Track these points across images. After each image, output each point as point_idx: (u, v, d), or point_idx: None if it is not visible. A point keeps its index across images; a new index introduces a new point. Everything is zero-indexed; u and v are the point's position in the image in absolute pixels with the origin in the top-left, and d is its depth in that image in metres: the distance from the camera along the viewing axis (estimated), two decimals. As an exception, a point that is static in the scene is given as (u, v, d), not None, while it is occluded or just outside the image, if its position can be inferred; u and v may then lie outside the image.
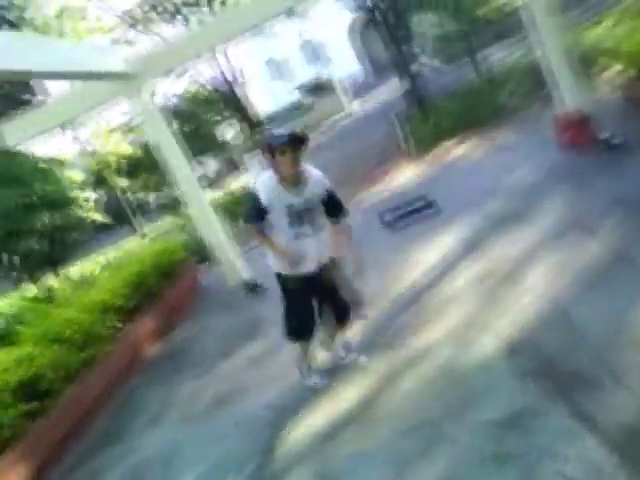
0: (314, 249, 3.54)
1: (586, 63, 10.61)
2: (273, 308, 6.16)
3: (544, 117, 8.31)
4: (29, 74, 6.44)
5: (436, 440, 2.95)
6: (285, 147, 3.28)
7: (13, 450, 4.32)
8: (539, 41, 6.71)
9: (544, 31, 6.56)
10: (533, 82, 11.64)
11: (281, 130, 3.41)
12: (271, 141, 3.34)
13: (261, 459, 3.52)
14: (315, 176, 3.52)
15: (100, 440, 4.90)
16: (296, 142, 3.30)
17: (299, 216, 3.44)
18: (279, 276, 3.72)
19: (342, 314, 3.89)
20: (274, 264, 3.67)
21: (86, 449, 4.84)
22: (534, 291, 3.97)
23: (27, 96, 16.76)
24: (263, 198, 3.39)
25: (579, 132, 6.53)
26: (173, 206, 15.73)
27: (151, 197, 23.91)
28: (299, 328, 3.87)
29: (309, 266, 3.57)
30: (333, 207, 3.56)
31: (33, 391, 4.79)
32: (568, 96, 6.66)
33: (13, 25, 15.88)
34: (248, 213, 3.50)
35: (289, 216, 3.43)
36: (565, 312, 3.56)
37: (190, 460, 3.96)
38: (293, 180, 3.41)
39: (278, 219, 3.45)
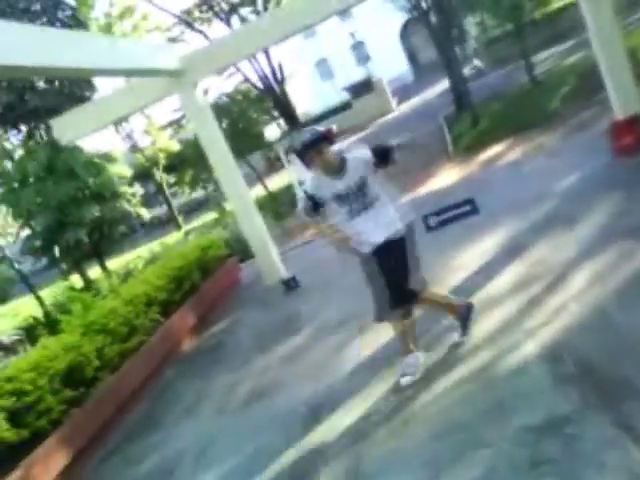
0: (372, 223, 3.63)
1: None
2: (309, 305, 6.26)
3: (598, 122, 8.11)
4: (88, 71, 6.67)
5: (471, 444, 2.89)
6: (308, 150, 3.52)
7: (59, 433, 4.47)
8: (595, 44, 6.51)
9: (600, 34, 6.38)
10: (588, 86, 11.34)
11: (305, 134, 3.60)
12: (296, 149, 3.63)
13: (294, 454, 3.53)
14: (353, 160, 3.61)
15: (138, 428, 5.03)
16: (316, 144, 3.51)
17: (349, 198, 3.62)
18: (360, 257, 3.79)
19: (402, 299, 3.75)
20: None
21: (124, 436, 4.97)
22: (578, 297, 3.86)
23: (87, 93, 17.32)
24: (313, 193, 3.65)
25: (635, 139, 6.31)
26: (216, 203, 16.03)
27: (196, 193, 24.42)
28: (393, 300, 3.70)
29: (376, 238, 3.64)
30: (383, 159, 3.64)
31: (79, 378, 4.95)
32: (625, 101, 6.45)
33: (68, 25, 16.47)
34: (306, 210, 3.74)
35: (339, 200, 3.63)
36: (610, 319, 3.44)
37: (224, 452, 4.01)
38: (333, 171, 3.60)
39: (331, 207, 3.69)
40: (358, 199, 3.61)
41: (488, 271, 4.95)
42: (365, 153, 3.63)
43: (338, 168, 3.59)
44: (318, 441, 3.56)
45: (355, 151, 3.69)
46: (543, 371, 3.23)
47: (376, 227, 3.64)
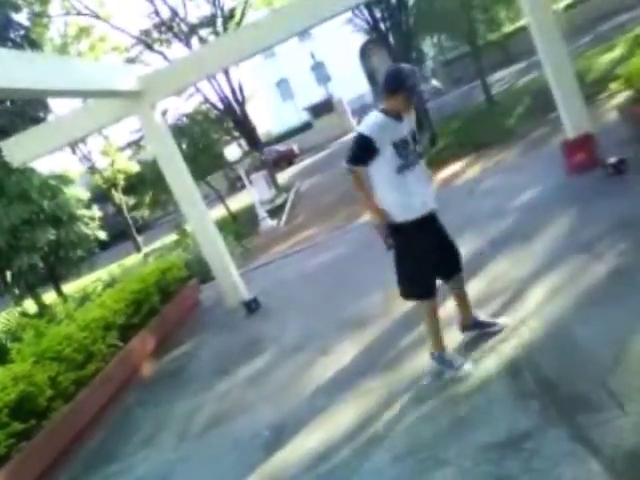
0: (424, 182, 3.52)
1: (596, 88, 10.69)
2: (271, 326, 6.19)
3: (551, 140, 8.35)
4: (42, 92, 6.51)
5: (433, 464, 2.89)
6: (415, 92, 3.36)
7: (7, 469, 4.25)
8: (546, 66, 6.73)
9: (548, 56, 6.60)
10: (542, 105, 11.70)
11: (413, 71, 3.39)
12: (413, 82, 3.34)
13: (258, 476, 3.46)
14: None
15: (95, 460, 4.84)
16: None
17: (408, 145, 3.40)
18: (397, 230, 3.48)
19: (457, 263, 3.78)
20: (390, 213, 3.48)
21: (80, 469, 4.77)
22: (537, 312, 3.92)
23: (41, 113, 16.96)
24: (373, 137, 3.33)
25: (586, 156, 6.50)
26: (176, 224, 15.82)
27: (154, 215, 24.10)
28: (426, 283, 3.62)
29: (429, 202, 3.53)
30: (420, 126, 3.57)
31: (30, 409, 4.74)
32: (576, 120, 6.66)
33: (20, 46, 16.16)
34: (356, 155, 3.42)
35: (399, 148, 3.35)
36: (568, 333, 3.50)
37: (185, 480, 3.89)
38: (401, 115, 3.42)
39: (386, 156, 3.36)
40: (415, 149, 3.43)
41: (446, 288, 4.97)
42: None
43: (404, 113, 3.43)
44: (280, 465, 3.50)
45: None
46: (503, 387, 3.25)
47: (427, 190, 3.53)
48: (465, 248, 5.76)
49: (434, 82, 30.45)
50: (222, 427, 4.44)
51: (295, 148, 29.70)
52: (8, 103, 16.98)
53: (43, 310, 10.50)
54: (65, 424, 4.99)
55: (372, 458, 3.17)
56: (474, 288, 4.70)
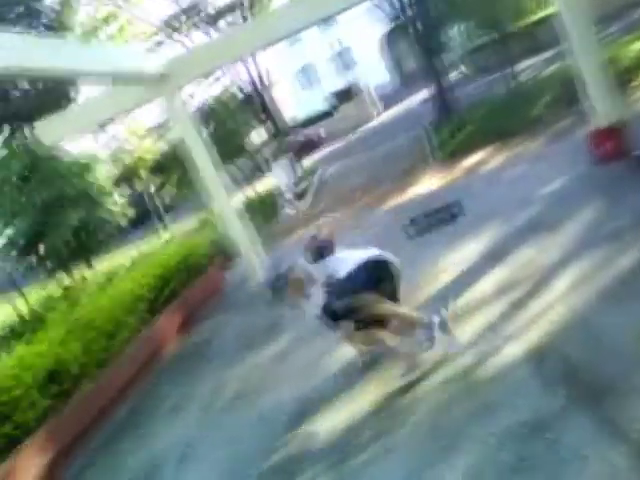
0: None
1: (626, 77, 10.50)
2: (295, 307, 6.27)
3: (578, 130, 8.25)
4: (71, 75, 6.66)
5: (457, 443, 2.95)
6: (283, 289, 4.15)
7: (42, 431, 4.46)
8: (573, 54, 6.68)
9: (578, 43, 6.53)
10: (569, 94, 11.51)
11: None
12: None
13: (278, 456, 3.58)
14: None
15: (124, 425, 5.04)
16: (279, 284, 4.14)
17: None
18: None
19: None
20: None
21: (110, 433, 4.98)
22: (562, 300, 3.94)
23: (71, 94, 17.19)
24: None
25: (613, 146, 6.45)
26: (202, 205, 15.97)
27: (180, 195, 24.26)
28: None
29: None
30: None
31: (65, 374, 4.94)
32: (603, 110, 6.60)
33: (52, 28, 16.36)
34: None
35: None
36: (593, 321, 3.53)
37: (206, 453, 4.05)
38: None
39: None
40: None
41: (471, 275, 5.03)
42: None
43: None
44: (301, 442, 3.61)
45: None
46: (527, 372, 3.30)
47: None
48: (491, 236, 5.83)
49: (459, 70, 30.10)
50: (246, 401, 4.56)
51: (322, 132, 29.67)
52: (40, 85, 17.25)
53: (73, 285, 10.77)
54: (97, 390, 5.21)
55: (395, 435, 3.25)
56: (501, 275, 4.76)
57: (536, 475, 2.54)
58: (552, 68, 18.46)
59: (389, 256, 4.05)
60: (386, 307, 3.77)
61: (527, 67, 21.98)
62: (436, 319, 3.79)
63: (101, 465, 4.50)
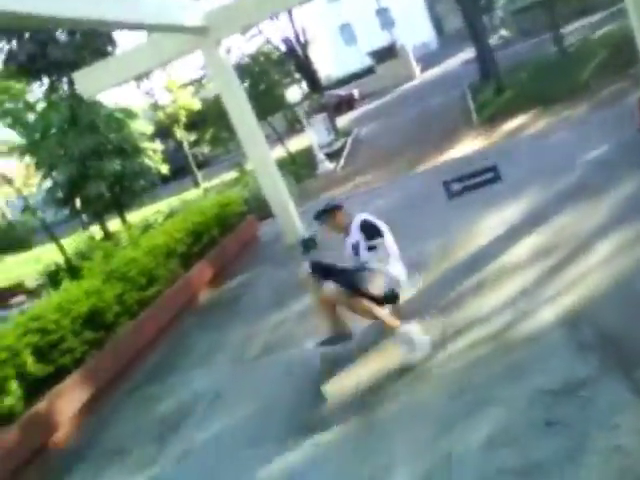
0: None
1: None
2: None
3: (627, 97, 7.95)
4: (108, 24, 6.62)
5: (485, 404, 2.92)
6: (323, 218, 4.22)
7: (81, 371, 4.63)
8: (632, 14, 6.33)
9: (633, 4, 6.19)
10: (620, 60, 11.04)
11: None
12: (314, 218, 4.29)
13: (307, 406, 3.61)
14: (355, 224, 4.13)
15: (156, 372, 5.17)
16: (325, 213, 4.19)
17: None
18: None
19: None
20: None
21: (143, 378, 5.12)
22: (601, 267, 3.85)
23: (108, 47, 17.26)
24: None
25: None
26: (235, 162, 16.03)
27: (214, 152, 24.39)
28: None
29: None
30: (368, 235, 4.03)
31: (100, 321, 5.08)
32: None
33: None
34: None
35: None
36: (632, 290, 3.43)
37: (237, 399, 4.12)
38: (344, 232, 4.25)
39: None
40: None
41: (509, 238, 4.94)
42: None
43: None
44: (331, 394, 3.62)
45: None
46: (561, 337, 3.24)
47: None
48: (529, 200, 5.70)
49: (503, 32, 29.08)
50: (275, 355, 4.61)
51: (356, 93, 29.21)
52: (78, 36, 17.31)
53: (108, 236, 11.01)
54: (130, 338, 5.34)
55: (422, 394, 3.25)
56: (539, 240, 4.66)
57: (562, 438, 2.50)
58: (601, 32, 17.70)
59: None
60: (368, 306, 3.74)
61: (574, 30, 21.09)
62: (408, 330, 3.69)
63: (132, 408, 4.64)
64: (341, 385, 3.68)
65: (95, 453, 4.11)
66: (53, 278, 7.98)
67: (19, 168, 17.26)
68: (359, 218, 4.12)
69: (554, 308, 3.56)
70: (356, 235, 4.06)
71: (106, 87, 8.38)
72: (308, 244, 7.06)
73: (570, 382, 2.83)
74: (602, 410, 2.57)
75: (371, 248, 3.92)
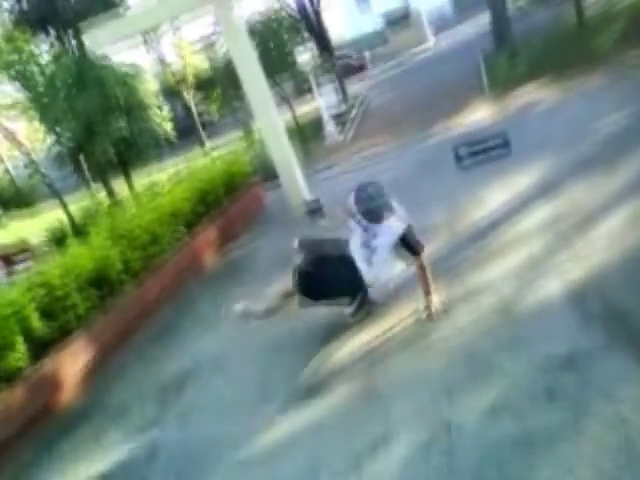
0: None
1: None
2: (332, 228, 6.24)
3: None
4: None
5: (489, 372, 2.92)
6: None
7: (85, 329, 4.65)
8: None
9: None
10: (637, 32, 10.74)
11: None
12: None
13: (310, 370, 3.62)
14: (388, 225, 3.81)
15: (160, 333, 5.19)
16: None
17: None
18: None
19: None
20: None
21: (146, 340, 5.14)
22: (610, 239, 3.80)
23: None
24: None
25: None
26: (242, 124, 15.83)
27: (221, 114, 24.08)
28: None
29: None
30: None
31: (103, 279, 5.08)
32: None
33: None
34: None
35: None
36: (637, 264, 3.39)
37: (240, 362, 4.14)
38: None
39: None
40: None
41: (519, 207, 4.89)
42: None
43: None
44: (335, 359, 3.63)
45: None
46: (567, 308, 3.22)
47: None
48: (541, 171, 5.61)
49: (520, 2, 28.27)
50: (278, 320, 4.61)
51: (367, 57, 28.71)
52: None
53: (113, 196, 10.96)
54: (134, 297, 5.37)
55: (424, 362, 3.25)
56: (548, 210, 4.60)
57: (562, 408, 2.50)
58: (627, 2, 17.17)
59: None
60: None
61: (597, 0, 20.50)
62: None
63: (135, 369, 4.66)
64: (344, 350, 3.68)
65: (99, 412, 4.16)
66: (57, 236, 7.96)
67: (25, 128, 17.07)
68: (399, 225, 3.81)
69: (562, 279, 3.53)
70: (384, 237, 3.84)
71: (115, 40, 8.18)
72: (313, 207, 7.02)
73: (574, 353, 2.82)
74: (603, 381, 2.57)
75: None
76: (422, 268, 3.78)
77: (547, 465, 2.23)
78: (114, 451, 3.55)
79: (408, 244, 3.77)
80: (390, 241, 3.78)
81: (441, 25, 31.59)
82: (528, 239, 4.24)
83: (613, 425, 2.30)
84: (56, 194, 13.54)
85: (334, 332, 3.95)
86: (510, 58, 15.34)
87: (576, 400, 2.52)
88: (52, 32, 16.16)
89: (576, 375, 2.66)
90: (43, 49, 15.88)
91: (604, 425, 2.32)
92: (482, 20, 23.20)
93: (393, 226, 3.75)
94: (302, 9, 21.01)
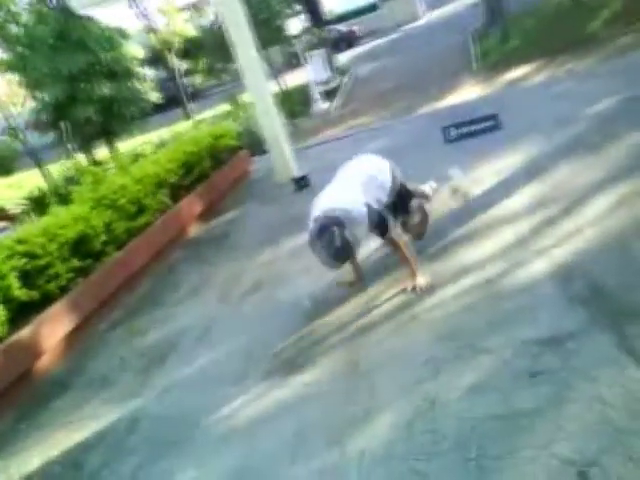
0: None
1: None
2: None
3: (638, 51, 7.71)
4: None
5: (472, 350, 2.95)
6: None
7: (67, 298, 4.60)
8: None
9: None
10: (635, 10, 10.68)
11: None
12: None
13: (293, 343, 3.63)
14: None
15: (142, 304, 5.16)
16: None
17: None
18: None
19: None
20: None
21: (129, 310, 5.12)
22: (595, 222, 3.82)
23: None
24: None
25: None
26: (229, 95, 15.58)
27: (207, 83, 23.68)
28: None
29: None
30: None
31: (87, 249, 5.01)
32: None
33: None
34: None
35: None
36: (626, 246, 3.41)
37: (224, 334, 4.13)
38: None
39: None
40: None
41: (505, 189, 4.88)
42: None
43: None
44: (318, 333, 3.64)
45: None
46: (552, 289, 3.24)
47: None
48: (529, 152, 5.61)
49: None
50: (264, 292, 4.60)
51: (357, 30, 28.30)
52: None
53: (96, 164, 10.74)
54: (117, 268, 5.29)
55: (409, 338, 3.26)
56: (536, 191, 4.61)
57: (545, 388, 2.54)
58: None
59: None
60: None
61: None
62: None
63: (117, 339, 4.64)
64: (329, 324, 3.69)
65: (79, 382, 4.13)
66: (38, 204, 7.80)
67: (3, 87, 16.58)
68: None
69: (547, 260, 3.55)
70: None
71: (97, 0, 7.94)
72: (300, 183, 6.98)
73: (558, 334, 2.85)
74: (586, 362, 2.60)
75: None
76: (396, 245, 3.74)
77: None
78: (94, 422, 3.53)
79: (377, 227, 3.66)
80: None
81: (433, 2, 31.20)
82: (514, 219, 4.25)
83: (591, 405, 2.35)
84: (36, 159, 13.24)
85: (320, 305, 3.96)
86: (501, 37, 15.23)
87: (558, 381, 2.55)
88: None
89: (559, 356, 2.69)
90: (24, 3, 15.36)
91: (584, 404, 2.37)
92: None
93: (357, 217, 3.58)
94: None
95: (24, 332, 4.10)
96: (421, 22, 27.25)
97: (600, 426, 2.24)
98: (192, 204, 6.84)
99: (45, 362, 4.32)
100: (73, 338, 4.59)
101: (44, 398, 4.04)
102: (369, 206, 3.60)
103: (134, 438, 3.24)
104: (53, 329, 4.36)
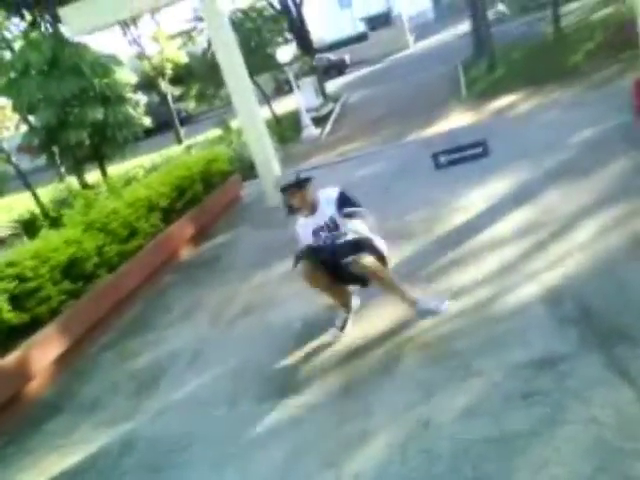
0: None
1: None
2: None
3: (622, 80, 7.91)
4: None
5: (464, 373, 2.96)
6: (292, 191, 3.81)
7: (57, 321, 4.56)
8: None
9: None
10: (615, 42, 10.99)
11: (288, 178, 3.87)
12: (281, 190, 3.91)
13: (286, 367, 3.62)
14: (324, 199, 3.84)
15: (133, 327, 5.13)
16: (296, 186, 3.80)
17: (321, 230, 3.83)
18: None
19: None
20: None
21: (120, 333, 5.08)
22: (584, 247, 3.88)
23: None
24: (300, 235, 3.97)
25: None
26: (221, 120, 15.72)
27: (199, 109, 23.88)
28: None
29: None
30: (347, 204, 3.78)
31: (78, 272, 4.99)
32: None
33: None
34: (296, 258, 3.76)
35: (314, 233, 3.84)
36: (614, 270, 3.48)
37: (216, 357, 4.12)
38: (310, 210, 3.85)
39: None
40: (328, 229, 3.80)
41: (494, 214, 4.96)
42: (333, 194, 3.80)
43: (313, 208, 3.84)
44: (311, 357, 3.63)
45: (325, 193, 3.87)
46: (542, 312, 3.28)
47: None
48: (518, 177, 5.71)
49: (500, 7, 28.74)
50: (255, 315, 4.60)
51: (347, 58, 28.78)
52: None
53: (87, 188, 10.72)
54: (108, 291, 5.26)
55: (402, 361, 3.27)
56: (525, 216, 4.68)
57: (538, 410, 2.55)
58: (601, 13, 17.56)
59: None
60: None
61: (573, 10, 20.94)
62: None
63: (109, 362, 4.60)
64: (322, 348, 3.69)
65: (70, 405, 4.09)
66: (29, 227, 7.76)
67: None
68: (332, 191, 3.84)
69: (537, 283, 3.60)
70: (328, 209, 3.77)
71: (94, 26, 7.96)
72: (291, 207, 6.99)
73: (549, 356, 2.88)
74: (578, 384, 2.62)
75: (348, 215, 3.70)
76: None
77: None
78: (85, 446, 3.48)
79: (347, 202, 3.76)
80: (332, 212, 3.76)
81: (422, 30, 31.91)
82: (504, 244, 4.31)
83: (585, 426, 2.36)
84: (26, 182, 13.22)
85: (313, 328, 3.95)
86: (488, 67, 15.59)
87: (551, 403, 2.57)
88: (27, 16, 15.73)
89: (550, 378, 2.72)
90: (17, 32, 15.49)
91: (577, 426, 2.38)
92: (463, 28, 23.50)
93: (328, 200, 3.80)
94: (284, 7, 21.00)
95: (14, 355, 4.05)
96: (410, 52, 27.79)
97: (595, 447, 2.25)
98: (184, 228, 6.85)
99: (36, 385, 4.26)
100: (64, 361, 4.54)
101: (35, 422, 3.98)
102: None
103: (126, 462, 3.20)
104: (44, 352, 4.32)
